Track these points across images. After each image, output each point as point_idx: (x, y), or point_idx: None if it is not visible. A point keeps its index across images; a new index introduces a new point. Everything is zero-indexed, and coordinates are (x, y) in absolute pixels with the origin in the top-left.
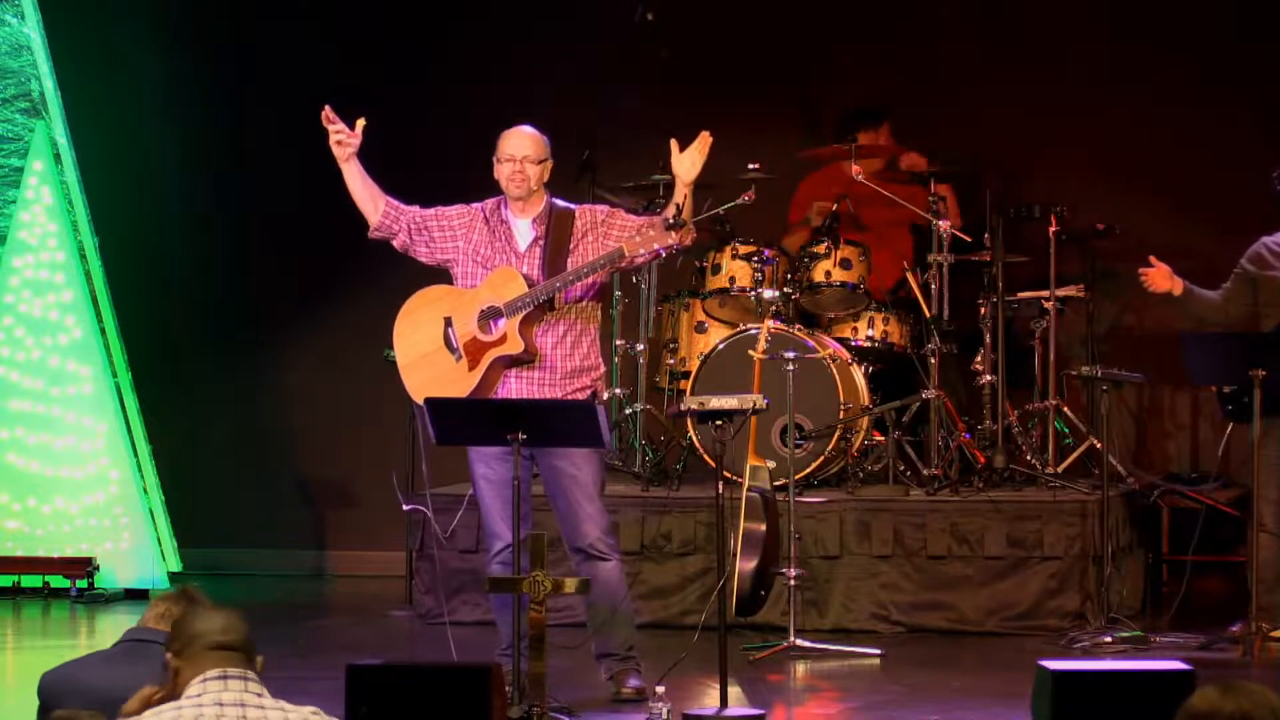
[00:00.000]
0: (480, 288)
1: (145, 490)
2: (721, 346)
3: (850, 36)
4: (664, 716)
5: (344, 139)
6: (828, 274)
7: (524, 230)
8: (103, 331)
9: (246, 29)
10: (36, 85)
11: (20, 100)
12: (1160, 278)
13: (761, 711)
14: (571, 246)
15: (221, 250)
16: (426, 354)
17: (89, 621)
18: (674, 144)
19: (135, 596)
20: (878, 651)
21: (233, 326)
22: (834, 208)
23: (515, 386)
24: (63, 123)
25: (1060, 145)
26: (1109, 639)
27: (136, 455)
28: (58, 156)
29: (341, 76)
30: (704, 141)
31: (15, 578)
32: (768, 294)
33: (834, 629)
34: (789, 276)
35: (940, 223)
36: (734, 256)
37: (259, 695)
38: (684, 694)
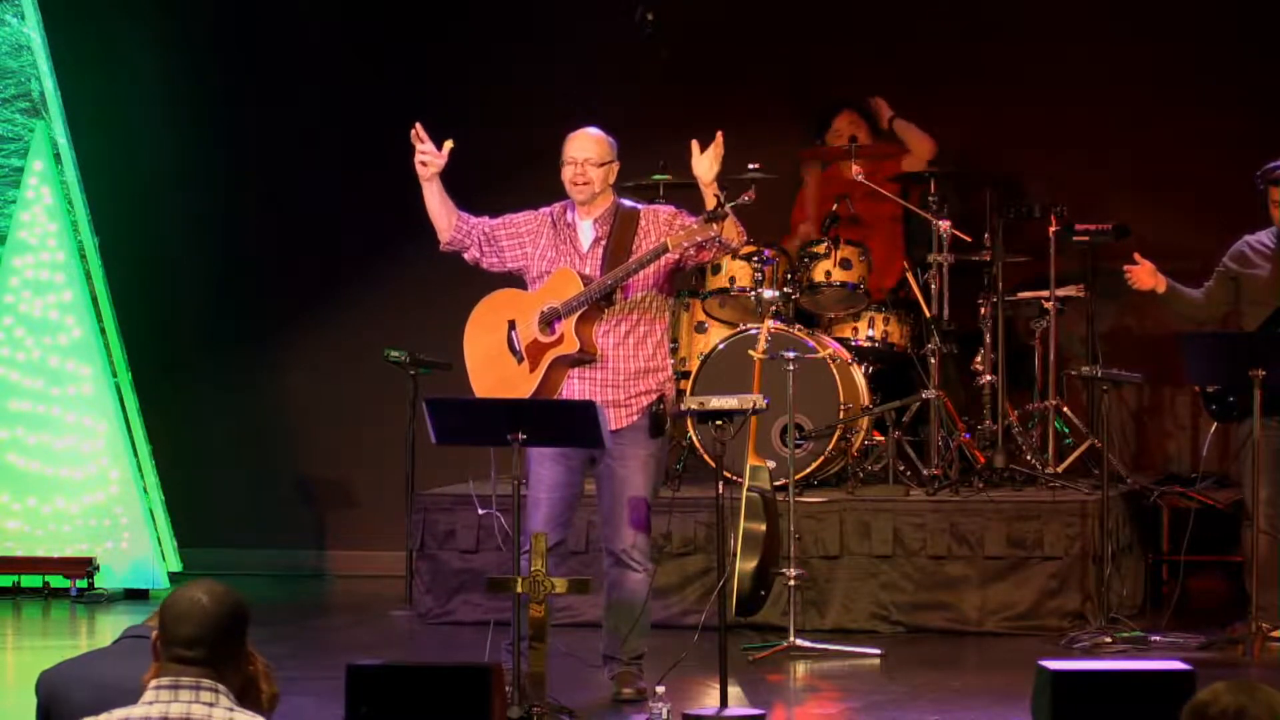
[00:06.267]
0: (541, 290)
1: (145, 490)
2: (721, 346)
3: (850, 36)
4: (664, 716)
5: (429, 159)
6: (828, 274)
7: (587, 231)
8: (103, 331)
9: (246, 28)
10: (36, 85)
11: (20, 100)
12: (1144, 275)
13: (761, 711)
14: (634, 246)
15: (221, 250)
16: (492, 358)
17: (89, 621)
18: (694, 145)
19: (135, 596)
20: (878, 651)
21: (232, 327)
22: (834, 208)
23: (578, 388)
24: (63, 123)
25: (1060, 145)
26: (1109, 639)
27: (136, 455)
28: (58, 156)
29: (341, 76)
30: (718, 142)
31: (15, 578)
32: (768, 294)
33: (834, 629)
34: (789, 276)
35: (940, 223)
36: (734, 256)
37: (209, 705)
38: (684, 694)
